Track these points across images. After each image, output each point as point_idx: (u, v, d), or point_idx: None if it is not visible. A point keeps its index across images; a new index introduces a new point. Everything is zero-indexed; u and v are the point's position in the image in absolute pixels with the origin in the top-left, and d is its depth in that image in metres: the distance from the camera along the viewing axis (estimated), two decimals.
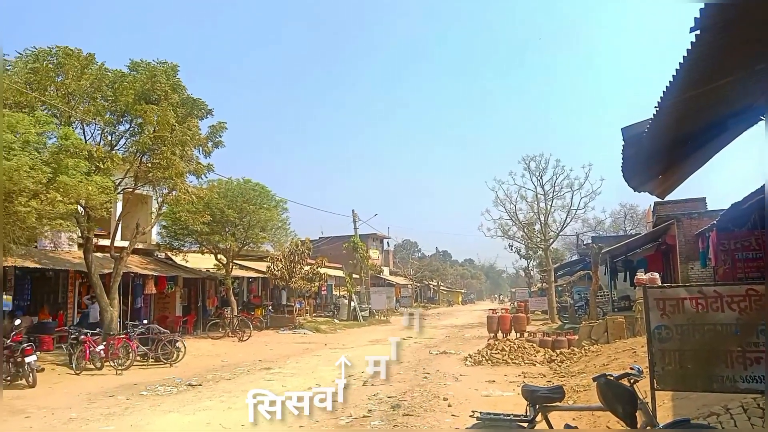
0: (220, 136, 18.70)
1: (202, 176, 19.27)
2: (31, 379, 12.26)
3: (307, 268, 28.61)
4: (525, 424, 4.63)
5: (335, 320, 32.48)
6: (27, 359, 12.19)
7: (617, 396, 4.58)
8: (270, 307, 29.04)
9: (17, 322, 14.67)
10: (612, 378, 4.72)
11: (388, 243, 63.20)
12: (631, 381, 4.68)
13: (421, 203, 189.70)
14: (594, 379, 5.00)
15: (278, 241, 26.34)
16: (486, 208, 37.37)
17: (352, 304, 34.62)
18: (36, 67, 14.93)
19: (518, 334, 19.11)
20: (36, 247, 17.03)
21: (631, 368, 4.90)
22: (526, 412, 4.72)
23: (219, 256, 24.44)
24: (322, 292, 38.17)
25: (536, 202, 33.91)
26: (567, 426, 5.54)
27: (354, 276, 37.50)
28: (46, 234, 15.31)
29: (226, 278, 24.65)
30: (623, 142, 5.56)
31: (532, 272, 51.54)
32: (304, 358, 17.19)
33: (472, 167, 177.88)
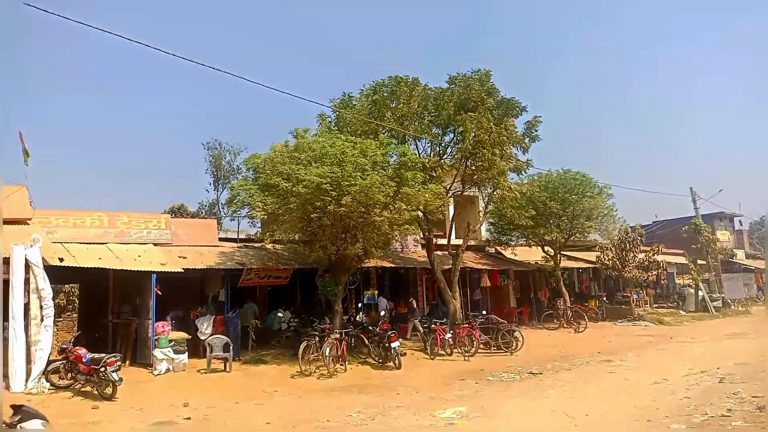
0: (536, 131, 18.99)
1: (522, 172, 19.85)
2: (397, 361, 14.43)
3: (641, 256, 26.68)
4: None
5: (680, 311, 29.42)
6: (392, 345, 14.39)
7: None
8: (604, 298, 27.99)
9: (382, 313, 17.47)
10: None
11: (740, 222, 54.27)
12: None
13: None
14: None
15: (605, 229, 25.23)
16: None
17: (700, 293, 30.84)
18: (375, 99, 17.57)
19: None
20: (390, 249, 19.89)
21: None
22: None
23: (546, 248, 24.72)
24: (662, 282, 34.95)
25: None
26: None
27: (699, 262, 33.36)
28: (396, 238, 17.82)
29: (555, 270, 24.74)
30: None
31: None
32: (647, 351, 16.14)
33: None
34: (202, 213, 37.59)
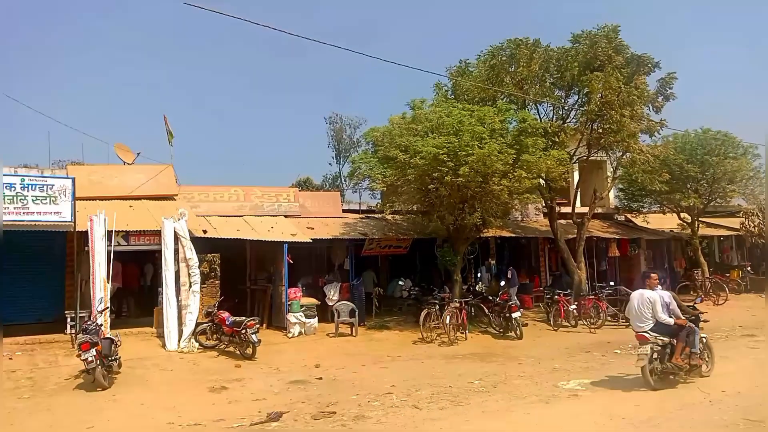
0: (671, 88, 17.59)
1: (655, 133, 18.55)
2: (518, 332, 14.36)
3: None
4: None
5: None
6: (513, 315, 14.33)
7: None
8: (748, 268, 25.56)
9: (502, 283, 17.34)
10: None
11: None
12: None
13: None
14: None
15: (751, 193, 22.86)
16: None
17: None
18: (493, 64, 17.13)
19: None
20: (509, 219, 19.57)
21: None
22: None
23: (682, 214, 22.98)
24: None
25: None
26: None
27: None
28: (516, 207, 17.48)
29: (693, 238, 22.97)
30: None
31: None
32: None
33: None
34: (325, 185, 39.21)
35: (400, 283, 18.23)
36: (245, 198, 17.62)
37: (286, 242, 15.04)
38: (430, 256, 18.09)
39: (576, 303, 15.92)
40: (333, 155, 41.48)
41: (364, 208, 20.78)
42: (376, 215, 19.61)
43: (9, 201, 11.73)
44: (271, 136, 65.36)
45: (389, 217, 18.84)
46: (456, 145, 13.64)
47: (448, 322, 13.63)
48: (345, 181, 35.59)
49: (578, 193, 20.02)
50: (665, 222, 24.01)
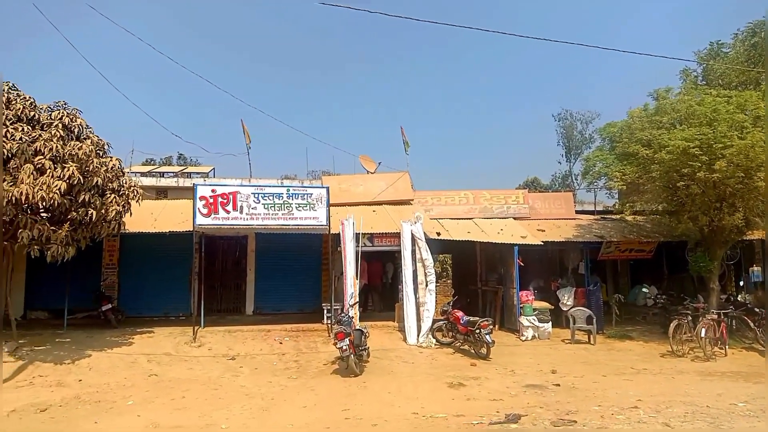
0: None
1: None
2: None
3: None
4: None
5: None
6: None
7: None
8: None
9: None
10: None
11: None
12: None
13: None
14: None
15: None
16: None
17: None
18: (755, 42, 14.88)
19: None
20: None
21: None
22: None
23: None
24: None
25: None
26: None
27: None
28: None
29: None
30: None
31: None
32: None
33: None
34: (554, 185, 38.02)
35: (644, 290, 16.82)
36: (474, 201, 18.01)
37: (516, 244, 14.98)
38: (679, 261, 16.36)
39: None
40: (562, 153, 40.11)
41: (599, 208, 19.70)
42: (614, 216, 18.42)
43: (278, 208, 13.67)
44: (497, 137, 65.52)
45: (629, 218, 17.53)
46: (710, 136, 12.18)
47: (703, 335, 12.19)
48: (577, 180, 34.16)
49: None
50: None
